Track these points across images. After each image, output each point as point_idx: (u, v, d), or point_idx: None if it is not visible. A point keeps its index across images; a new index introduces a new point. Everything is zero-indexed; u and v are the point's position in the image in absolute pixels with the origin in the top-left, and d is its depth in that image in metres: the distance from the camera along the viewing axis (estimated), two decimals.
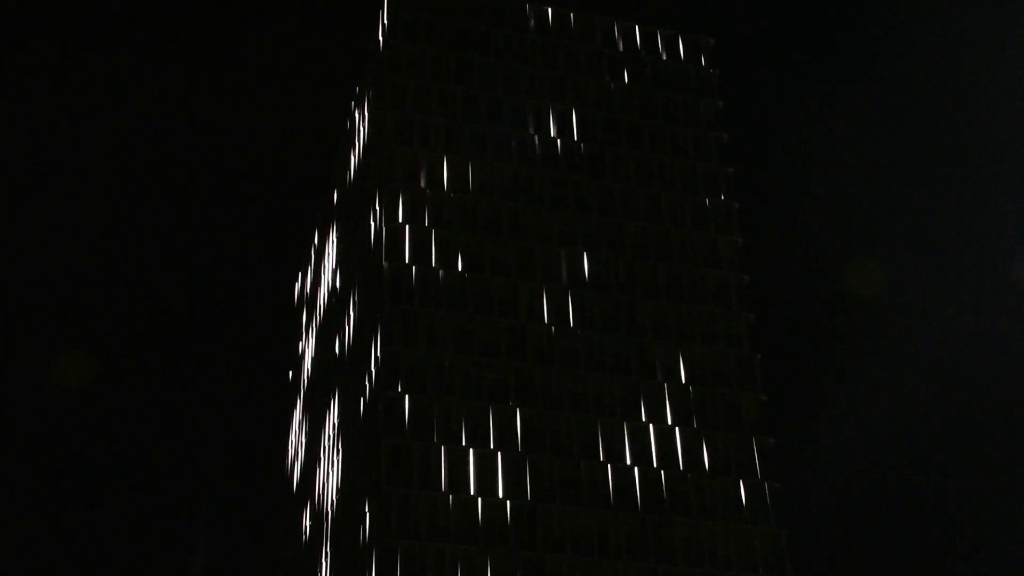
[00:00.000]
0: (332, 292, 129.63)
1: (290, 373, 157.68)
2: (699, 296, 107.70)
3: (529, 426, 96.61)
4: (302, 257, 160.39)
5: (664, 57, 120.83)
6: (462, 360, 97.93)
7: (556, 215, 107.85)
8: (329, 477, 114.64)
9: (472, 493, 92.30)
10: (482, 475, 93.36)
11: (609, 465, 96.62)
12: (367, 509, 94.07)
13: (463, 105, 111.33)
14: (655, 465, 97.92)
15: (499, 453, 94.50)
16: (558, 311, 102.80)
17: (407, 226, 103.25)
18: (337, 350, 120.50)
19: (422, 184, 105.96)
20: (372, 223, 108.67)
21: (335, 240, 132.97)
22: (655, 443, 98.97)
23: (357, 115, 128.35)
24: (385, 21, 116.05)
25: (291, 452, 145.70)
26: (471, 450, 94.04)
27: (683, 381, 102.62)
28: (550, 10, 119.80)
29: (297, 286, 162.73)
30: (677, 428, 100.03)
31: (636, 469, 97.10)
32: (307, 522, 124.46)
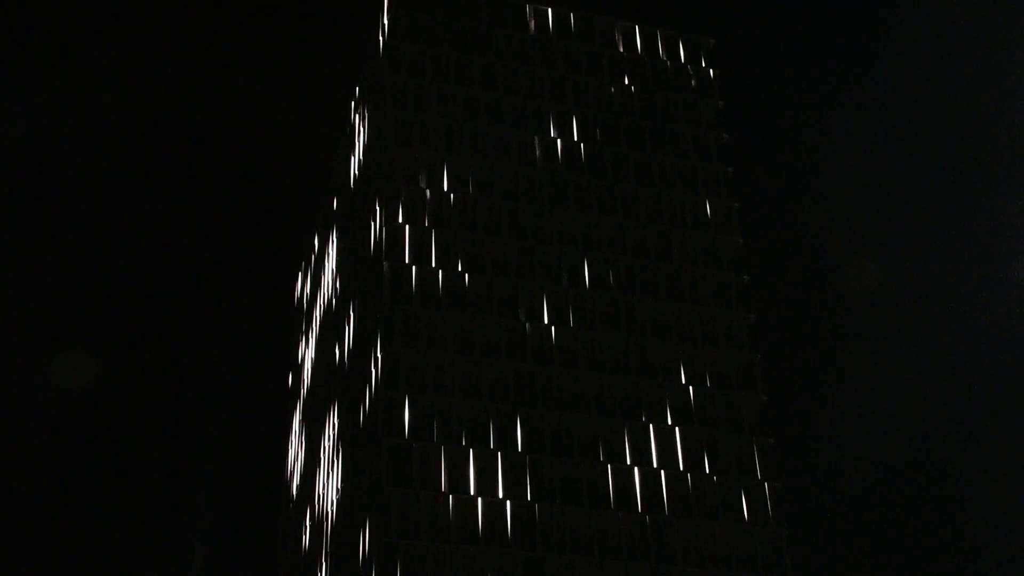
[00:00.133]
0: (332, 293, 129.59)
1: (290, 374, 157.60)
2: (699, 296, 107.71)
3: (529, 426, 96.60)
4: (302, 258, 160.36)
5: (664, 57, 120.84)
6: (462, 360, 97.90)
7: (556, 215, 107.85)
8: (329, 478, 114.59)
9: (472, 493, 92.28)
10: (482, 475, 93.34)
11: (609, 465, 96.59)
12: (367, 509, 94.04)
13: (463, 105, 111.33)
14: (655, 465, 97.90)
15: (499, 453, 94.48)
16: (558, 311, 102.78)
17: (407, 226, 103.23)
18: (337, 350, 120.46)
19: (422, 184, 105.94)
20: (372, 223, 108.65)
21: (335, 241, 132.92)
22: (655, 443, 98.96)
23: (357, 115, 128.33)
24: (385, 21, 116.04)
25: (291, 453, 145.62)
26: (471, 450, 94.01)
27: (683, 381, 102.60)
28: (550, 10, 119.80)
29: (297, 288, 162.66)
30: (677, 428, 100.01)
31: (636, 469, 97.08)
32: (307, 523, 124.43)
